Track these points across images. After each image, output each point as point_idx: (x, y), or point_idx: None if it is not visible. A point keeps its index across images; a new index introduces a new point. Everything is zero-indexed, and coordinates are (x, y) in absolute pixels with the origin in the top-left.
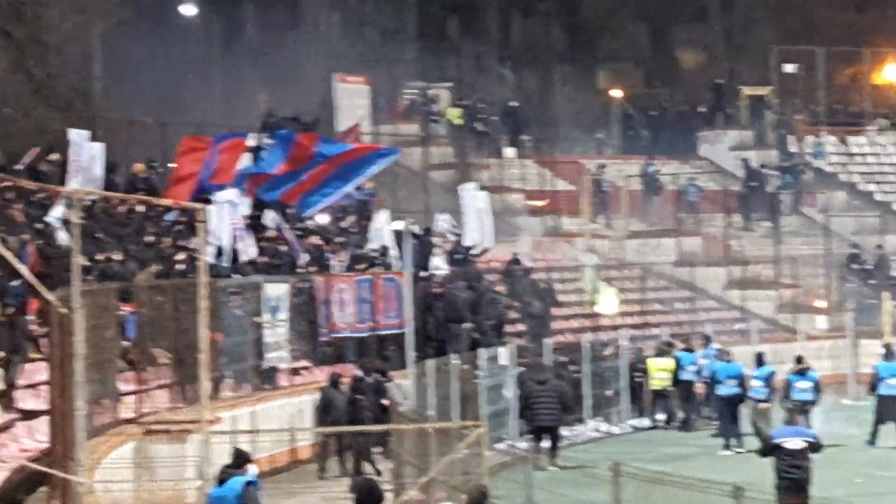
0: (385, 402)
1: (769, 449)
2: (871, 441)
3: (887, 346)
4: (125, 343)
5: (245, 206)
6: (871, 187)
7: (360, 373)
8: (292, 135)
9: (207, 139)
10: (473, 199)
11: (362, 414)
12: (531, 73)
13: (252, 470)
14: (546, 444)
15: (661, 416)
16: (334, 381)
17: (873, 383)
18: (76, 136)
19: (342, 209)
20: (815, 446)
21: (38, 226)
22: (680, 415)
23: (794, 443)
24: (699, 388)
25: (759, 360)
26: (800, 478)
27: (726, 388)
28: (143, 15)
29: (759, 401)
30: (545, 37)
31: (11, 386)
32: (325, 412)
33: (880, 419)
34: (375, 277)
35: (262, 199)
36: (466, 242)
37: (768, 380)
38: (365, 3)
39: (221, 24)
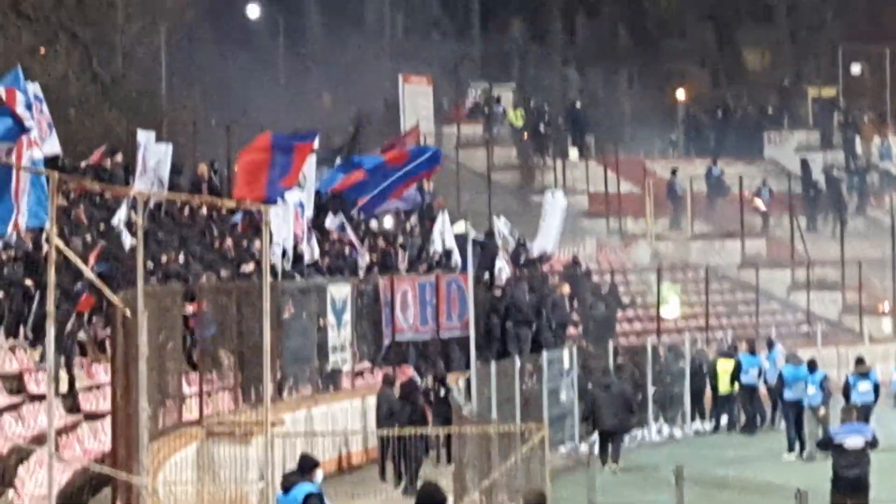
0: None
1: (828, 446)
2: None
3: None
4: (189, 345)
5: (311, 209)
6: None
7: (416, 377)
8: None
9: (268, 139)
10: (555, 206)
11: (418, 417)
12: (596, 73)
13: (318, 476)
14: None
15: (724, 420)
16: (390, 383)
17: None
18: (143, 137)
19: (406, 212)
20: (873, 444)
21: (103, 227)
22: (743, 418)
23: (853, 441)
24: (763, 392)
25: (812, 366)
26: (859, 475)
27: (792, 393)
28: (208, 17)
29: (815, 406)
30: (610, 37)
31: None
32: (388, 417)
33: None
34: (438, 279)
35: (346, 200)
36: (535, 249)
37: (822, 384)
38: (429, 4)
39: (286, 25)
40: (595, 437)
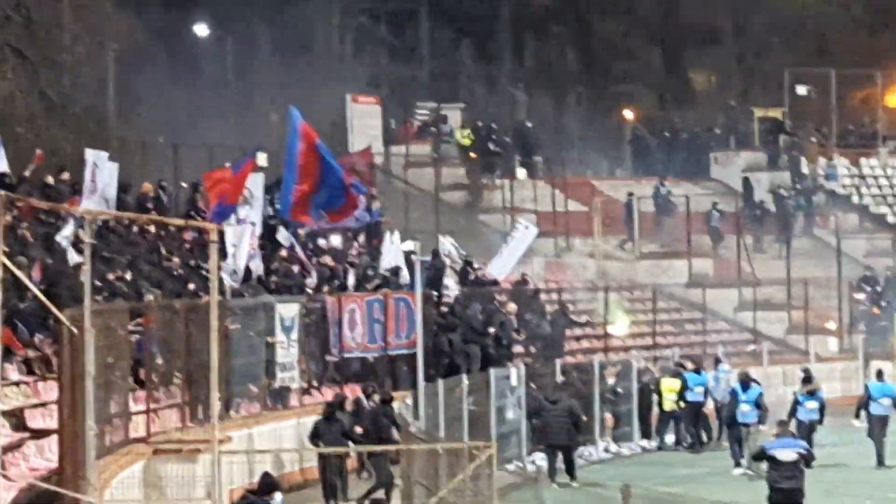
0: (359, 429)
1: (762, 458)
2: (880, 462)
3: (879, 370)
4: (135, 363)
5: (260, 226)
6: (884, 209)
7: (361, 396)
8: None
9: (228, 170)
10: (526, 236)
11: (342, 436)
12: (544, 94)
13: (277, 498)
14: (559, 462)
15: (670, 438)
16: (340, 403)
17: (860, 405)
18: (93, 156)
19: (354, 230)
20: (807, 458)
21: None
22: (688, 437)
23: (786, 454)
24: (709, 409)
25: (745, 384)
26: (792, 488)
27: (742, 416)
28: (156, 36)
29: (747, 424)
30: (558, 58)
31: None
32: (313, 437)
33: (871, 437)
34: (386, 297)
35: (283, 216)
36: (493, 271)
37: (757, 402)
38: (377, 25)
39: (234, 45)
40: (542, 454)
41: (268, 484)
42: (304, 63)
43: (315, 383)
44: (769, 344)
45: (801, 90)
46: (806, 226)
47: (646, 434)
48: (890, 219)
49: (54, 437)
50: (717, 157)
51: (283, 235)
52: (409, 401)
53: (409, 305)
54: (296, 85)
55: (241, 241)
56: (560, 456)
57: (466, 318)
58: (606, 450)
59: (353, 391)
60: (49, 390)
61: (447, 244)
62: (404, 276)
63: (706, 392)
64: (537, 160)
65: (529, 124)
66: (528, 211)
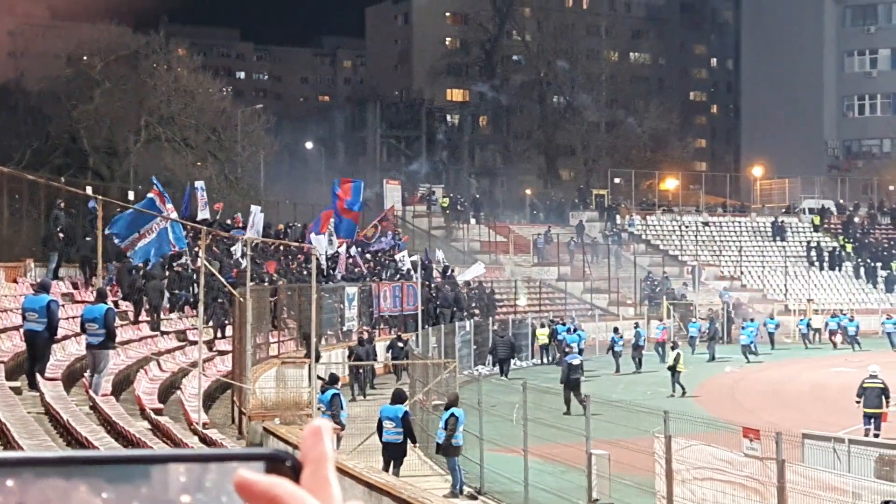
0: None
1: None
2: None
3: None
4: (272, 317)
5: (335, 244)
6: (659, 243)
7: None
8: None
9: (326, 217)
10: (478, 267)
11: (372, 356)
12: (484, 181)
13: (337, 386)
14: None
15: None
16: (370, 338)
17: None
18: (253, 209)
19: (385, 249)
20: (581, 366)
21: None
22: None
23: (574, 360)
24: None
25: (575, 329)
26: (577, 378)
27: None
28: (286, 147)
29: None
30: (492, 162)
31: (214, 337)
32: (351, 357)
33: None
34: (403, 284)
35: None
36: (465, 276)
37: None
38: (399, 143)
39: (325, 152)
40: (482, 366)
41: (333, 378)
42: (362, 162)
43: (365, 328)
44: (598, 311)
45: (617, 180)
46: (617, 250)
47: (532, 357)
48: (661, 247)
49: (230, 355)
50: (573, 214)
51: (351, 249)
52: (414, 338)
53: (414, 289)
54: (358, 174)
55: (323, 251)
56: (500, 366)
57: (443, 296)
58: (514, 363)
59: (383, 332)
60: (227, 331)
61: (438, 256)
62: (412, 273)
63: (560, 334)
64: (481, 214)
65: (477, 196)
66: (475, 240)
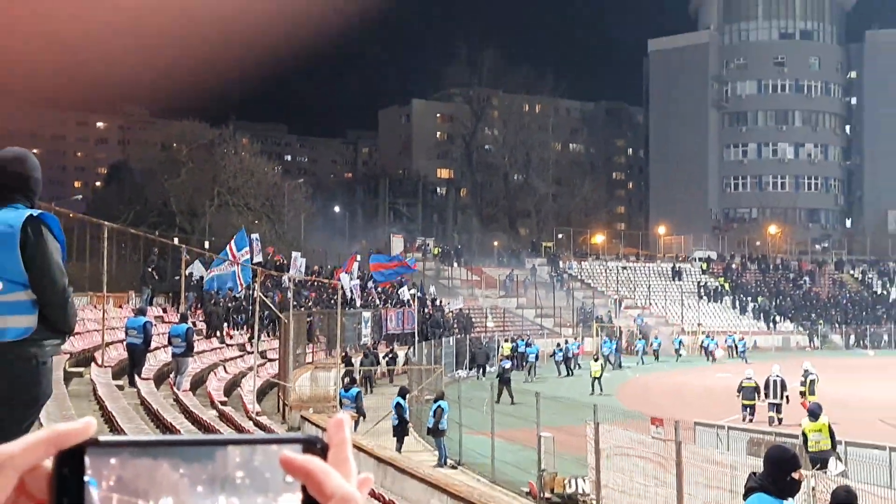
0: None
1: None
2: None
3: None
4: (308, 333)
5: (356, 281)
6: (590, 281)
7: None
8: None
9: (351, 262)
10: (458, 301)
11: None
12: (463, 236)
13: (356, 387)
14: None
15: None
16: (365, 352)
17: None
18: (294, 254)
19: (397, 282)
20: (511, 369)
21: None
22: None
23: (507, 364)
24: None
25: (528, 345)
26: (507, 377)
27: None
28: (318, 210)
29: (531, 363)
30: (467, 224)
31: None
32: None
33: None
34: (404, 310)
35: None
36: (446, 307)
37: (536, 354)
38: (401, 208)
39: (348, 215)
40: (463, 370)
41: (352, 379)
42: (375, 222)
43: (368, 344)
44: (546, 330)
45: (560, 236)
46: (559, 287)
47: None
48: (589, 283)
49: (276, 361)
50: (528, 260)
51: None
52: (412, 350)
53: (412, 314)
54: (372, 231)
55: (347, 285)
56: (479, 369)
57: (434, 319)
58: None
59: (387, 345)
60: (275, 343)
61: (430, 290)
62: (411, 302)
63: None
64: (462, 260)
65: (459, 246)
66: (457, 279)
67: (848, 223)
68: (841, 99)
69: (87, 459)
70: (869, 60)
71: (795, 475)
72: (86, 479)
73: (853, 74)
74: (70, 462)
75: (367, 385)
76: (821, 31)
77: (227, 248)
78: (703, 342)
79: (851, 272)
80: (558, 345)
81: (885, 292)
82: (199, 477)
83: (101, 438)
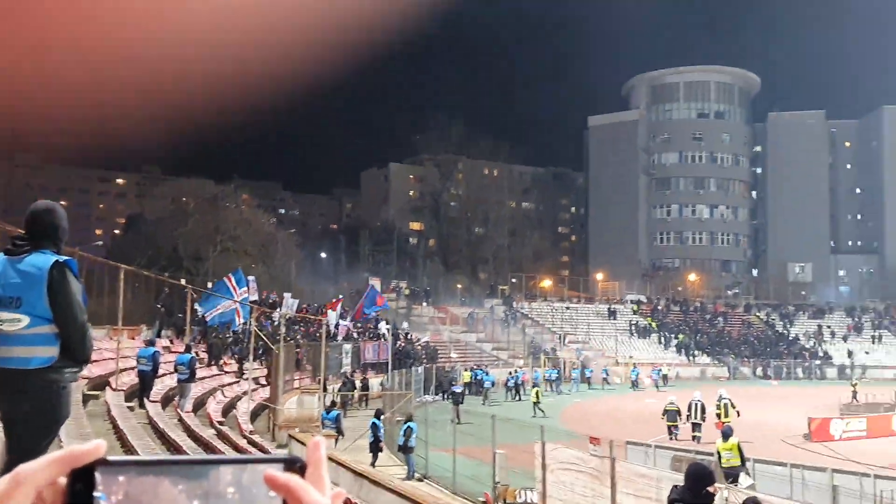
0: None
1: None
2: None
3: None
4: (297, 362)
5: (337, 318)
6: (539, 319)
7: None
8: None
9: (337, 302)
10: (429, 338)
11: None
12: (430, 284)
13: (336, 409)
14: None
15: (458, 390)
16: (352, 380)
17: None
18: (286, 295)
19: (372, 320)
20: (462, 393)
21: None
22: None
23: (458, 388)
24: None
25: (486, 372)
26: (459, 400)
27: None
28: (307, 257)
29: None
30: (438, 267)
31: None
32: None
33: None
34: (379, 343)
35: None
36: (420, 340)
37: (493, 381)
38: (381, 255)
39: (333, 261)
40: (429, 395)
41: (333, 404)
42: (355, 268)
43: (347, 372)
44: (501, 361)
45: (514, 280)
46: (513, 323)
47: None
48: (540, 322)
49: (268, 387)
50: (486, 300)
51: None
52: (387, 378)
53: (387, 346)
54: (353, 275)
55: (332, 322)
56: (444, 393)
57: (405, 351)
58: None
59: (362, 374)
60: (266, 370)
61: (403, 326)
62: (386, 335)
63: (479, 377)
64: (430, 300)
65: (427, 288)
66: (426, 316)
67: (754, 272)
68: (748, 168)
69: (97, 476)
70: (771, 137)
71: (711, 489)
72: (96, 494)
73: (758, 148)
74: (83, 479)
75: (344, 408)
76: (731, 112)
77: (226, 279)
78: (631, 372)
79: (757, 314)
80: (510, 373)
81: (785, 331)
82: (196, 492)
83: (110, 458)
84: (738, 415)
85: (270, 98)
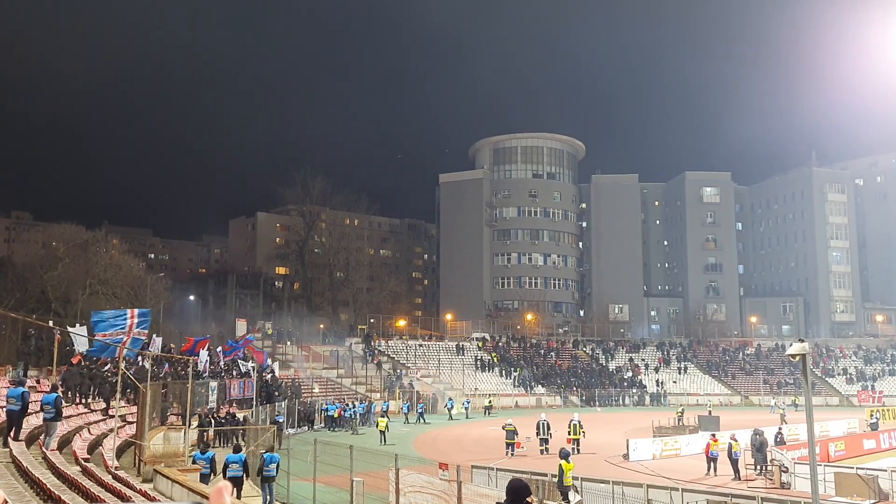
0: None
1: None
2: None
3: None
4: (163, 400)
5: (205, 356)
6: (395, 356)
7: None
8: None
9: (205, 342)
10: (289, 370)
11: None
12: (297, 319)
13: (211, 450)
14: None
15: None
16: (201, 418)
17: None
18: (155, 337)
19: (242, 356)
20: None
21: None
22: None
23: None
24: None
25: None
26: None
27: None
28: (176, 300)
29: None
30: (302, 309)
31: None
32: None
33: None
34: (245, 380)
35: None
36: (278, 374)
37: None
38: (247, 297)
39: (200, 303)
40: (300, 427)
41: (206, 444)
42: (224, 309)
43: (208, 409)
44: (360, 394)
45: (372, 320)
46: (371, 360)
47: (321, 422)
48: (396, 358)
49: (135, 424)
50: (347, 339)
51: (205, 359)
52: (251, 412)
53: (252, 382)
54: (221, 316)
55: (200, 360)
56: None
57: (269, 386)
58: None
59: (227, 409)
60: (133, 409)
61: (267, 363)
62: (251, 372)
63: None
64: (293, 338)
65: (291, 328)
66: (290, 354)
67: (581, 313)
68: (576, 223)
69: None
70: (594, 196)
71: (529, 499)
72: None
73: (584, 205)
74: None
75: (200, 442)
76: (561, 174)
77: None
78: (463, 403)
79: (584, 349)
80: (369, 406)
81: (607, 364)
82: None
83: None
84: (584, 435)
85: (143, 148)
